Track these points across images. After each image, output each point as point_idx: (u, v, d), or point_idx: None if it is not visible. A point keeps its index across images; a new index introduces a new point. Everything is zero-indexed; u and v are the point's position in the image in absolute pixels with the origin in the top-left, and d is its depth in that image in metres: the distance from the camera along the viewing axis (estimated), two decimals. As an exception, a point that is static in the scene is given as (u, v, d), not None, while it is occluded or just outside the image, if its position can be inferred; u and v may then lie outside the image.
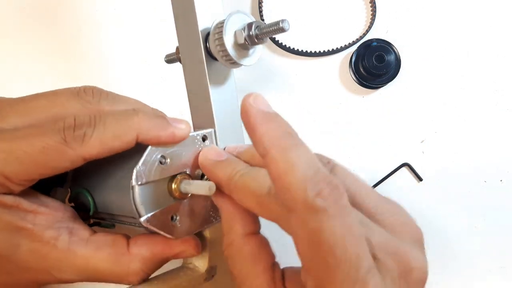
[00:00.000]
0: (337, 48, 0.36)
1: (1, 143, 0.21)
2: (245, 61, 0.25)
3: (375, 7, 0.36)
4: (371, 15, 0.36)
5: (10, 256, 0.22)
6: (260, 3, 0.37)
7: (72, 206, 0.26)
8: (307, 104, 0.37)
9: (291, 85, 0.37)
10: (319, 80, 0.37)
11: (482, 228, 0.35)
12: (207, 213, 0.26)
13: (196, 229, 0.25)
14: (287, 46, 0.37)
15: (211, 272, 0.27)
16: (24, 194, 0.22)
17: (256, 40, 0.24)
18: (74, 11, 0.42)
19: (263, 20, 0.37)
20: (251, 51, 0.25)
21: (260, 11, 0.37)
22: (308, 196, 0.17)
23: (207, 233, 0.27)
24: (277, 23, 0.23)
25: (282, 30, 0.23)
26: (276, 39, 0.37)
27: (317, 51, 0.37)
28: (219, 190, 0.23)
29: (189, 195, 0.25)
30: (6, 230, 0.22)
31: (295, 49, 0.37)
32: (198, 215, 0.26)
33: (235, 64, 0.25)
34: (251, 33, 0.24)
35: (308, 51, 0.37)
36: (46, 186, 0.26)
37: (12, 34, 0.42)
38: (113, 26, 0.41)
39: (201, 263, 0.27)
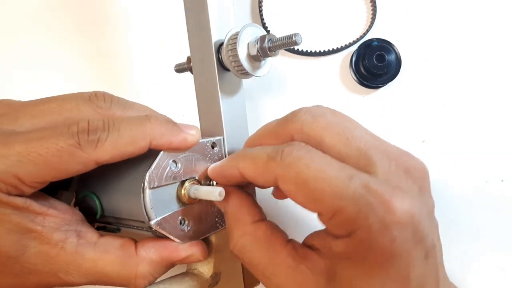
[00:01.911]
0: (337, 47, 0.37)
1: (15, 145, 0.21)
2: (256, 72, 0.26)
3: (375, 6, 0.36)
4: (372, 14, 0.36)
5: (18, 257, 0.22)
6: (260, 2, 0.37)
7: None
8: (307, 104, 0.37)
9: (291, 84, 0.38)
10: (319, 79, 0.37)
11: (483, 229, 0.35)
12: (214, 219, 0.27)
13: (203, 234, 0.26)
14: (288, 45, 0.37)
15: (215, 278, 0.27)
16: (34, 196, 0.22)
17: (268, 53, 0.25)
18: (72, 11, 0.42)
19: (263, 19, 0.37)
20: (262, 62, 0.26)
21: (260, 11, 0.37)
22: (274, 162, 0.21)
23: (212, 239, 0.27)
24: (290, 36, 0.24)
25: (294, 43, 0.24)
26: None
27: (318, 51, 0.37)
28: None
29: (198, 200, 0.25)
30: (15, 232, 0.21)
31: (296, 48, 0.37)
32: (205, 221, 0.26)
33: (246, 74, 0.26)
34: (264, 45, 0.25)
35: (309, 51, 0.37)
36: (51, 190, 0.26)
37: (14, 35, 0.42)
38: (113, 26, 0.41)
39: (205, 269, 0.27)
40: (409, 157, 0.21)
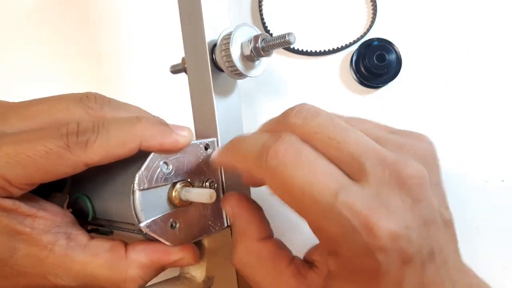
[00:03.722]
0: (337, 47, 0.36)
1: (3, 147, 0.21)
2: (250, 73, 0.25)
3: (375, 6, 0.36)
4: (372, 14, 0.36)
5: (6, 259, 0.22)
6: (260, 2, 0.37)
7: (70, 212, 0.26)
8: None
9: (291, 84, 0.37)
10: (319, 79, 0.37)
11: (484, 229, 0.34)
12: (206, 222, 0.26)
13: (195, 238, 0.25)
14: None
15: (208, 283, 0.27)
16: (23, 198, 0.22)
17: (262, 53, 0.24)
18: (70, 10, 0.42)
19: (263, 19, 0.37)
20: (256, 63, 0.26)
21: (260, 11, 0.37)
22: (261, 163, 0.20)
23: (205, 242, 0.27)
24: (283, 36, 0.23)
25: (288, 43, 0.23)
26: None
27: (318, 51, 0.37)
28: (232, 197, 0.25)
29: (189, 203, 0.25)
30: (4, 234, 0.21)
31: (296, 48, 0.37)
32: (198, 224, 0.26)
33: (240, 75, 0.25)
34: (257, 45, 0.24)
35: (309, 51, 0.37)
36: (45, 191, 0.25)
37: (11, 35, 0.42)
38: (112, 25, 0.41)
39: (198, 273, 0.26)
40: (406, 163, 0.20)
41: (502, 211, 0.34)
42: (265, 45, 0.24)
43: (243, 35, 0.25)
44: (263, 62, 0.26)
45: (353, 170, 0.20)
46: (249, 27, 0.25)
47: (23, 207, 0.22)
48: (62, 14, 0.42)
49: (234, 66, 0.25)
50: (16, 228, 0.22)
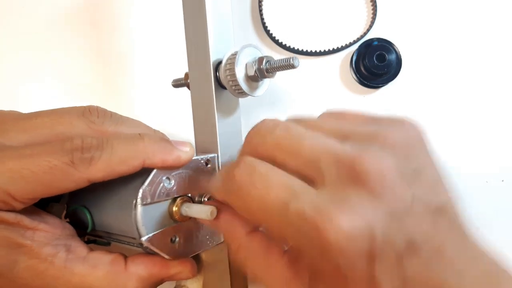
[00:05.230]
0: (337, 47, 0.36)
1: (7, 161, 0.21)
2: (253, 93, 0.26)
3: (375, 6, 0.36)
4: (372, 14, 0.36)
5: (7, 272, 0.22)
6: (260, 2, 0.37)
7: (68, 222, 0.26)
8: (307, 104, 0.37)
9: (292, 84, 0.37)
10: (319, 79, 0.37)
11: (484, 229, 0.34)
12: (205, 236, 0.27)
13: (193, 252, 0.26)
14: (288, 45, 0.37)
15: (204, 295, 0.27)
16: (25, 211, 0.22)
17: (265, 74, 0.25)
18: (72, 14, 0.41)
19: (263, 19, 0.37)
20: (260, 83, 0.26)
21: (260, 11, 0.37)
22: (224, 190, 0.21)
23: (203, 256, 0.27)
24: (287, 59, 0.24)
25: (292, 66, 0.24)
26: (276, 38, 0.37)
27: (318, 50, 0.37)
28: (210, 203, 0.25)
29: (189, 217, 0.25)
30: (5, 246, 0.21)
31: (296, 48, 0.37)
32: (196, 238, 0.26)
33: (243, 94, 0.26)
34: (261, 66, 0.25)
35: (309, 50, 0.37)
36: (42, 201, 0.25)
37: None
38: (113, 32, 0.41)
39: (195, 286, 0.27)
40: (363, 157, 0.19)
41: (502, 211, 0.34)
42: (269, 67, 0.25)
43: (248, 55, 0.25)
44: (266, 83, 0.27)
45: (312, 176, 0.20)
46: (254, 48, 0.26)
47: (25, 220, 0.22)
48: (62, 19, 0.41)
49: (238, 85, 0.25)
50: (17, 241, 0.22)
